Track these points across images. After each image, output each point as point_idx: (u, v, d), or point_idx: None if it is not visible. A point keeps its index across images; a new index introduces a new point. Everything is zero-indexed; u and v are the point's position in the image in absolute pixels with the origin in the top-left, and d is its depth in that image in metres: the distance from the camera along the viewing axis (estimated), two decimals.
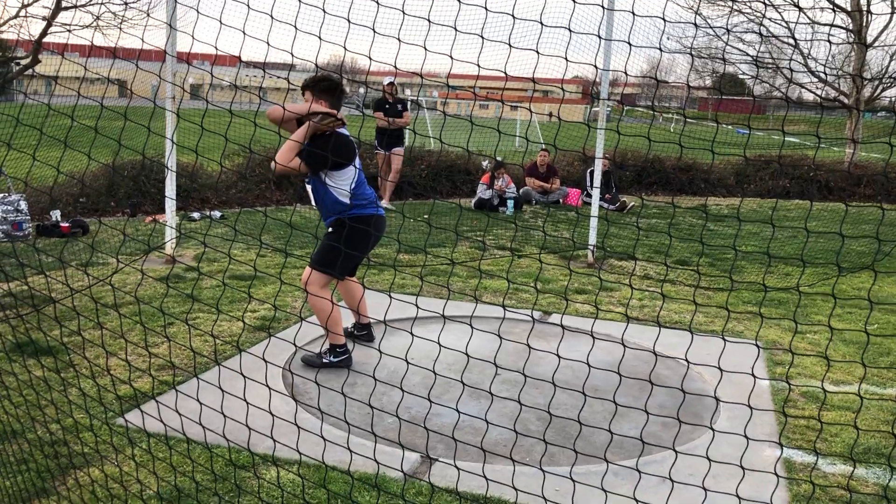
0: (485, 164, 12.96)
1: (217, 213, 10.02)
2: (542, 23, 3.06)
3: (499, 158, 12.74)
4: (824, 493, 3.50)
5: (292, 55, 2.72)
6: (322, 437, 2.94)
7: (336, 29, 3.19)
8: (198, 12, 3.11)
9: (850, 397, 4.72)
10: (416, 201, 12.70)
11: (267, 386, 2.49)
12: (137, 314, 5.40)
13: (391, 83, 11.69)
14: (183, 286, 6.48)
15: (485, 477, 2.61)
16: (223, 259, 7.39)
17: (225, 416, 2.81)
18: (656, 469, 3.53)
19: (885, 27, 19.45)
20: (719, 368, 2.29)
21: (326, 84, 4.61)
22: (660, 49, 2.45)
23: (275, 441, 2.85)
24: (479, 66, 2.52)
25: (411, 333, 2.74)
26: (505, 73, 2.77)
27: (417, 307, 2.72)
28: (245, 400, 2.68)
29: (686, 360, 2.68)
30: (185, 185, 10.29)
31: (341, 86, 4.72)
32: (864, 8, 18.26)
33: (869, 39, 18.95)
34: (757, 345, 3.70)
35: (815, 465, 3.76)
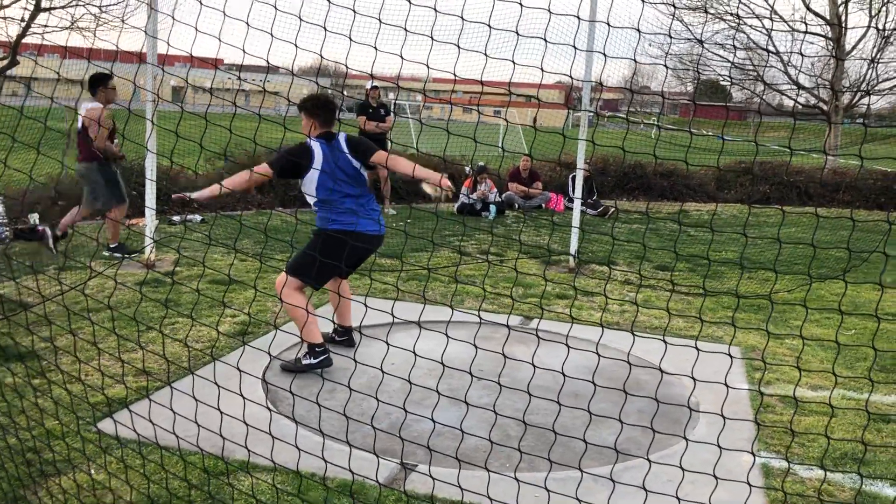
0: (467, 169, 12.97)
1: (197, 217, 9.95)
2: (517, 32, 3.06)
3: (481, 163, 12.75)
4: (801, 499, 3.51)
5: (268, 62, 2.70)
6: (296, 445, 2.92)
7: (316, 34, 3.17)
8: (173, 19, 3.09)
9: (826, 401, 4.75)
10: (400, 206, 12.66)
11: (241, 395, 2.47)
12: (112, 320, 5.35)
13: (375, 87, 11.67)
14: (161, 291, 6.43)
15: (460, 487, 2.60)
16: (204, 263, 7.34)
17: (199, 424, 2.78)
18: (634, 475, 3.53)
19: (863, 37, 19.67)
20: (693, 378, 2.29)
21: (311, 104, 4.93)
22: (634, 60, 2.46)
23: (249, 450, 2.83)
24: (455, 75, 2.51)
25: (387, 343, 2.72)
26: (481, 82, 2.77)
27: (393, 316, 2.71)
28: (219, 409, 2.65)
29: (660, 369, 2.68)
30: (165, 188, 10.22)
31: (329, 103, 4.98)
32: (842, 18, 18.46)
33: (847, 48, 19.16)
34: (730, 354, 3.72)
35: (788, 470, 3.77)
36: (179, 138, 2.58)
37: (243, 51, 2.71)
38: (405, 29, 2.89)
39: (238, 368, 2.49)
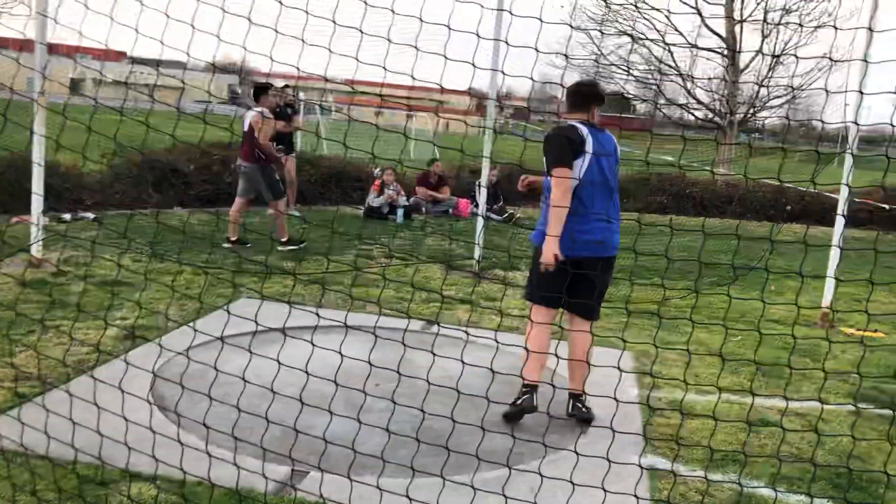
0: (376, 171, 12.92)
1: (90, 215, 9.54)
2: (416, 47, 3.06)
3: (389, 166, 12.73)
4: (684, 499, 3.64)
5: (188, 54, 2.62)
6: (181, 450, 2.83)
7: (233, 31, 3.10)
8: (87, 7, 2.96)
9: (713, 405, 4.94)
10: (304, 207, 12.48)
11: (124, 395, 2.37)
12: None
13: (284, 87, 11.49)
14: (47, 292, 6.13)
15: (350, 485, 2.57)
16: (94, 262, 7.04)
17: (75, 425, 2.66)
18: (525, 481, 3.58)
19: (756, 55, 20.67)
20: (584, 392, 2.34)
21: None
22: (531, 79, 2.50)
23: (130, 450, 2.72)
24: (352, 86, 2.49)
25: (283, 333, 2.67)
26: (381, 95, 2.76)
27: (285, 325, 2.66)
28: (98, 414, 2.54)
29: (551, 384, 2.72)
30: (57, 184, 9.76)
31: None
32: (737, 38, 19.33)
33: (741, 66, 20.06)
34: (618, 367, 3.82)
35: (674, 475, 3.91)
36: (90, 131, 2.46)
37: (162, 42, 2.61)
38: (333, 21, 2.85)
39: (127, 366, 2.39)
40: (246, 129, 8.52)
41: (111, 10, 2.78)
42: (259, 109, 8.46)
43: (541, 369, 4.57)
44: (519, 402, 4.52)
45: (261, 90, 8.57)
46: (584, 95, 4.55)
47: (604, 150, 4.43)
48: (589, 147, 4.36)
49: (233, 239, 8.64)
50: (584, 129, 4.42)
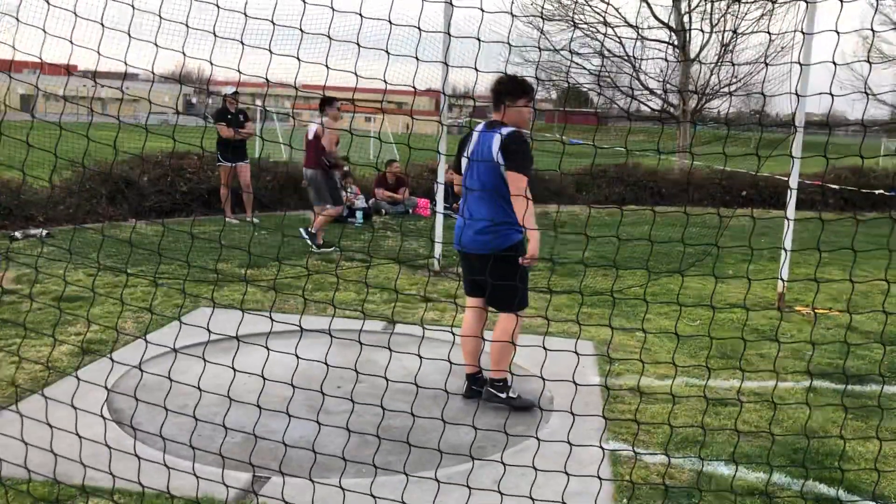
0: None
1: (43, 232, 9.36)
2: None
3: (345, 168, 12.68)
4: (645, 482, 3.68)
5: (125, 63, 2.58)
6: (138, 463, 2.79)
7: (177, 37, 3.06)
8: (18, 20, 2.90)
9: (673, 389, 5.01)
10: (263, 214, 12.38)
11: (76, 412, 2.33)
12: None
13: (234, 93, 11.38)
14: None
15: (313, 487, 2.55)
16: (47, 280, 6.90)
17: (27, 445, 2.60)
18: (489, 472, 3.59)
19: (706, 44, 20.97)
20: (542, 377, 2.36)
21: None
22: (475, 69, 2.51)
23: (86, 467, 2.67)
24: (299, 89, 2.48)
25: (236, 339, 2.64)
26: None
27: (243, 312, 2.63)
28: (51, 428, 2.49)
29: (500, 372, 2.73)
30: (5, 201, 9.56)
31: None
32: (686, 27, 19.60)
33: (692, 55, 20.34)
34: (576, 351, 3.85)
35: (635, 458, 3.95)
36: (31, 146, 2.41)
37: (99, 54, 2.56)
38: (299, 29, 2.83)
39: (78, 380, 2.35)
40: (311, 137, 9.36)
41: (71, 31, 2.73)
42: (323, 119, 9.34)
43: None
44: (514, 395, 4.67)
45: (325, 102, 9.31)
46: (495, 93, 4.59)
47: (475, 150, 4.51)
48: (467, 150, 4.54)
49: (319, 242, 9.27)
50: (476, 130, 4.59)
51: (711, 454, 4.05)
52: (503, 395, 4.61)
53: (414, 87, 3.37)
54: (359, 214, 12.22)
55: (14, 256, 7.81)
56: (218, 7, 3.05)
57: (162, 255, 6.63)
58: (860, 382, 5.30)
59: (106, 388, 3.74)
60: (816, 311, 7.27)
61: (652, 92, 21.00)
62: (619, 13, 20.07)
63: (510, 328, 4.50)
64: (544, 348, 3.20)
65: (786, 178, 11.13)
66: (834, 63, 2.98)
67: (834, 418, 4.59)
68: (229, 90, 11.41)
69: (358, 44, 3.18)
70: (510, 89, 4.50)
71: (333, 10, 3.15)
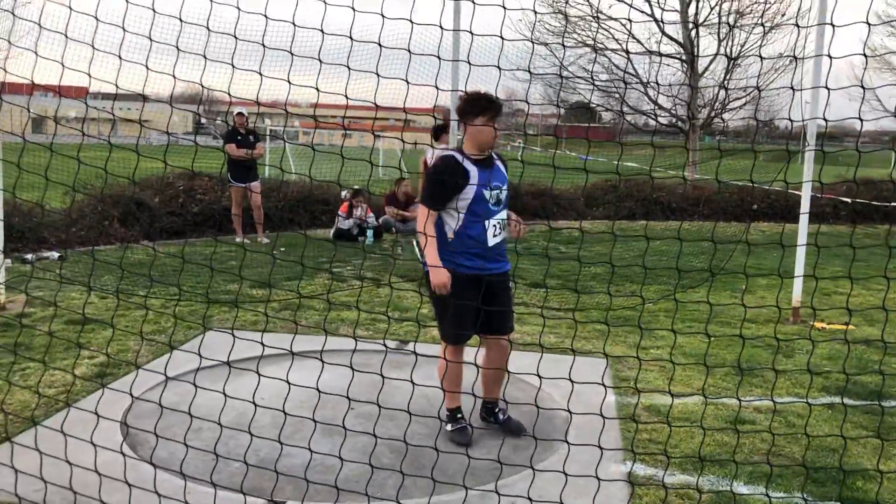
0: (343, 193, 12.87)
1: (55, 254, 9.40)
2: (378, 74, 3.07)
3: (356, 187, 12.70)
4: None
5: (116, 85, 2.59)
6: (156, 491, 2.77)
7: (192, 61, 3.08)
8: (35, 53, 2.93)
9: (689, 408, 4.96)
10: (273, 234, 12.40)
11: (93, 444, 2.31)
12: None
13: (241, 114, 11.44)
14: (10, 336, 6.01)
15: None
16: (60, 303, 6.92)
17: (45, 481, 2.59)
18: (506, 493, 3.55)
19: (713, 59, 20.98)
20: (567, 408, 2.33)
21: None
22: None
23: (103, 502, 2.66)
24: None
25: (258, 373, 2.63)
26: (345, 117, 2.76)
27: (263, 345, 2.62)
28: (67, 461, 2.48)
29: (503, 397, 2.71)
30: (18, 224, 9.61)
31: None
32: (693, 43, 19.62)
33: (700, 70, 20.34)
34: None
35: (663, 479, 3.90)
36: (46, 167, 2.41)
37: (116, 85, 2.58)
38: (291, 53, 2.84)
39: (96, 413, 2.34)
40: (431, 163, 9.60)
41: (87, 55, 2.76)
42: (440, 147, 9.33)
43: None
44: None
45: (441, 130, 9.46)
46: (457, 113, 4.55)
47: None
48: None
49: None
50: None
51: (732, 475, 4.00)
52: (448, 428, 4.52)
53: (434, 113, 3.38)
54: (369, 233, 12.22)
55: (24, 280, 7.84)
56: (236, 38, 3.07)
57: (176, 277, 6.65)
58: (881, 398, 5.23)
59: (123, 423, 3.72)
60: (830, 325, 7.21)
61: (661, 107, 21.00)
62: (629, 31, 20.11)
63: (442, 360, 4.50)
64: (542, 377, 3.17)
65: (797, 193, 11.10)
66: (830, 56, 2.96)
67: (854, 434, 4.53)
68: (237, 111, 11.45)
69: (377, 74, 3.21)
70: (467, 109, 4.43)
71: (352, 39, 3.17)
